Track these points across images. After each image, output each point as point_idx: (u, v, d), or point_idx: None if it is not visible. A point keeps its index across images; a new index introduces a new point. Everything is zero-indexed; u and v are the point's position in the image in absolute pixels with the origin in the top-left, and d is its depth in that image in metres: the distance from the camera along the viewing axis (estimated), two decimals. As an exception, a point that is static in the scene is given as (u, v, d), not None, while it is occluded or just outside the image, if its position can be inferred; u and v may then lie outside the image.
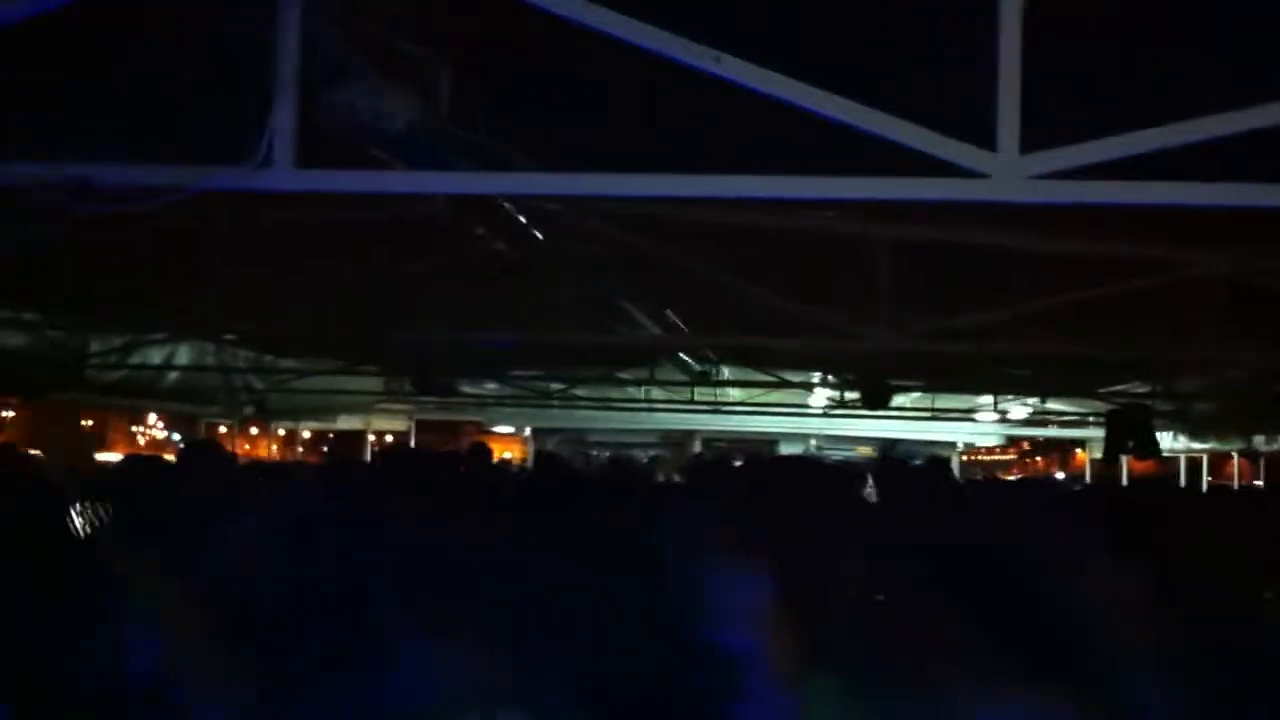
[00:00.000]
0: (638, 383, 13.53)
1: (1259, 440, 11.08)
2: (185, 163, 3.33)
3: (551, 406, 15.54)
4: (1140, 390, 10.75)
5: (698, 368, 11.29)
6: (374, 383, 15.49)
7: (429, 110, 3.93)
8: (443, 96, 4.04)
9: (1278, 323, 6.98)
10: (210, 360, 12.25)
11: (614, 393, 14.87)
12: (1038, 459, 18.28)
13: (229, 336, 11.54)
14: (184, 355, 11.93)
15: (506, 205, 5.33)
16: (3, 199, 3.43)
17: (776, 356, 10.78)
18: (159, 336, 11.17)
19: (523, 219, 5.61)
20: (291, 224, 6.54)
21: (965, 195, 3.13)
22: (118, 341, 10.81)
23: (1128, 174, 2.98)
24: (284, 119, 3.38)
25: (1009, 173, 3.02)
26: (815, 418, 14.99)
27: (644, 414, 15.37)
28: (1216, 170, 3.01)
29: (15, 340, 9.63)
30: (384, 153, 3.85)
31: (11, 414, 17.15)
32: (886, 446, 17.44)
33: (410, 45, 3.78)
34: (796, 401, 14.25)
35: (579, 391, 14.54)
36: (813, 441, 17.46)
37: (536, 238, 6.04)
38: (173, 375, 11.98)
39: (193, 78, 3.48)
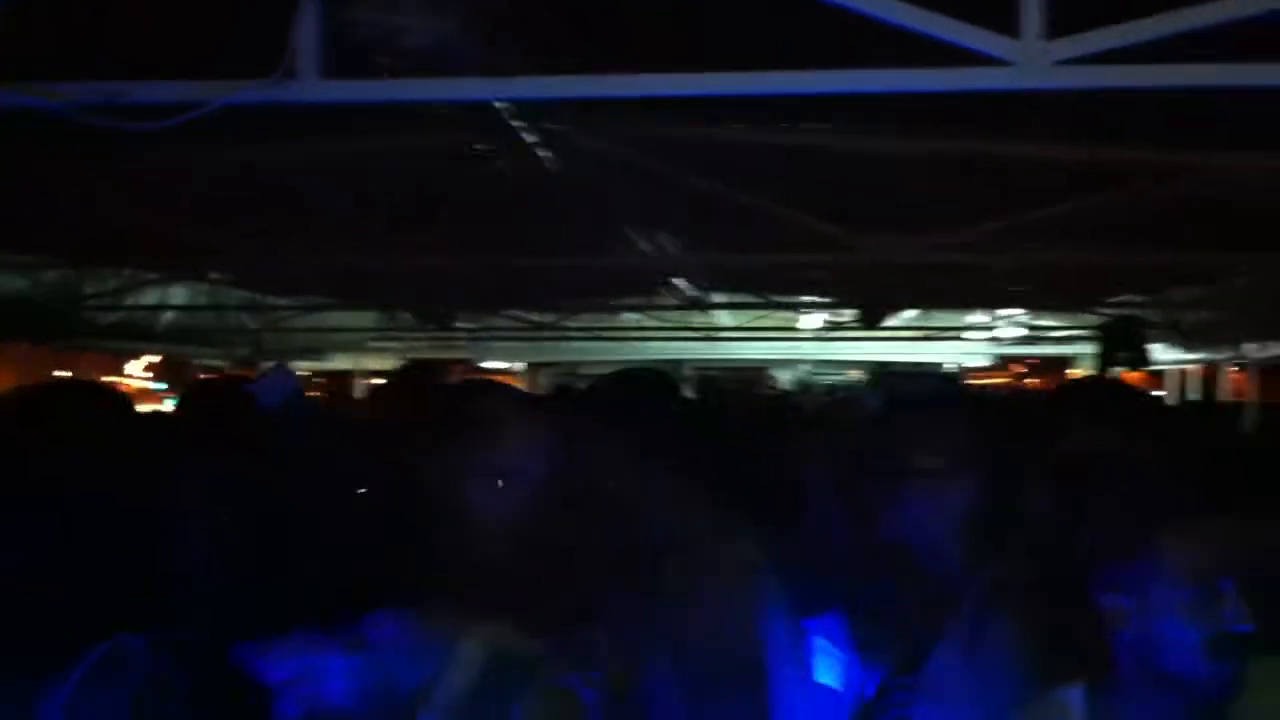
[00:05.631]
0: (632, 308, 13.57)
1: (1251, 348, 11.17)
2: (213, 78, 3.36)
3: (544, 339, 15.59)
4: (1135, 301, 10.83)
5: (693, 292, 11.33)
6: (367, 320, 15.49)
7: (446, 22, 3.95)
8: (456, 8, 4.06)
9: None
10: (204, 300, 12.27)
11: (606, 322, 14.91)
12: (1035, 379, 18.35)
13: (214, 275, 11.49)
14: (179, 297, 11.94)
15: (515, 123, 5.34)
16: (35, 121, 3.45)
17: (773, 279, 10.82)
18: (153, 277, 11.17)
19: (531, 138, 5.62)
20: (290, 157, 6.59)
21: (990, 84, 3.16)
22: (112, 283, 10.81)
23: (1157, 59, 3.01)
24: (308, 31, 3.41)
25: (1034, 59, 3.05)
26: (809, 342, 15.06)
27: (637, 344, 15.41)
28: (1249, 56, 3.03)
29: (12, 284, 9.64)
30: (402, 66, 3.88)
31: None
32: (878, 372, 17.55)
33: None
34: (789, 325, 14.31)
35: (570, 323, 14.59)
36: (804, 367, 17.53)
37: (544, 160, 6.06)
38: (168, 317, 12.00)
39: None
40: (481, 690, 2.16)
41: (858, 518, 3.86)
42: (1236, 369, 13.97)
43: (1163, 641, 1.98)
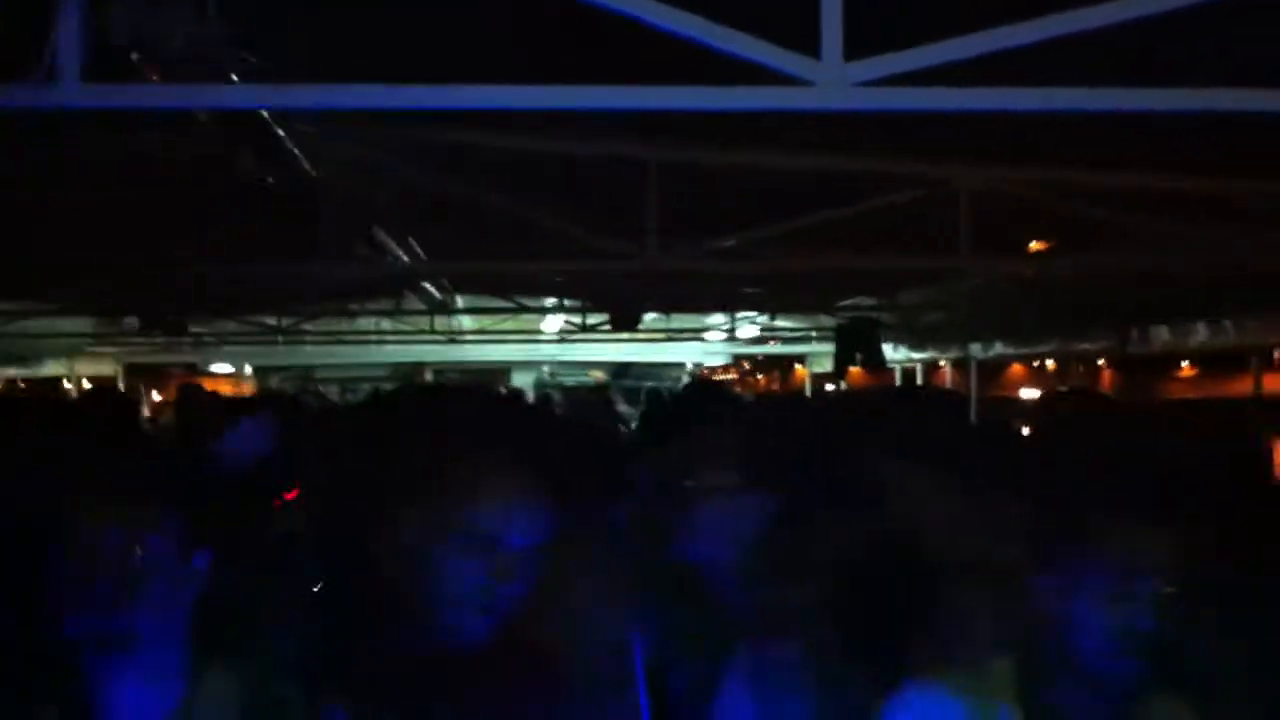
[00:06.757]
0: (373, 313, 13.28)
1: (975, 349, 11.75)
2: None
3: (277, 343, 15.10)
4: (868, 303, 11.24)
5: (438, 297, 11.16)
6: (82, 324, 14.68)
7: (206, 25, 3.74)
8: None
9: (1009, 233, 7.39)
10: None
11: (344, 326, 14.56)
12: (759, 377, 18.91)
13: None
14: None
15: (276, 128, 5.10)
16: None
17: (523, 282, 10.76)
18: None
19: (287, 142, 5.38)
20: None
21: (790, 104, 3.16)
22: None
23: (949, 81, 3.07)
24: (69, 31, 3.14)
25: (834, 80, 3.06)
26: (552, 344, 15.08)
27: (376, 347, 15.11)
28: (1033, 78, 3.13)
29: None
30: (161, 71, 3.66)
31: None
32: (619, 371, 17.73)
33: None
34: (535, 328, 14.30)
35: (308, 326, 14.17)
36: (545, 368, 17.54)
37: (295, 163, 5.82)
38: None
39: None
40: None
41: (647, 537, 3.81)
42: (954, 366, 14.71)
43: (1074, 627, 1.99)
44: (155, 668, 1.98)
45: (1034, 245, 8.10)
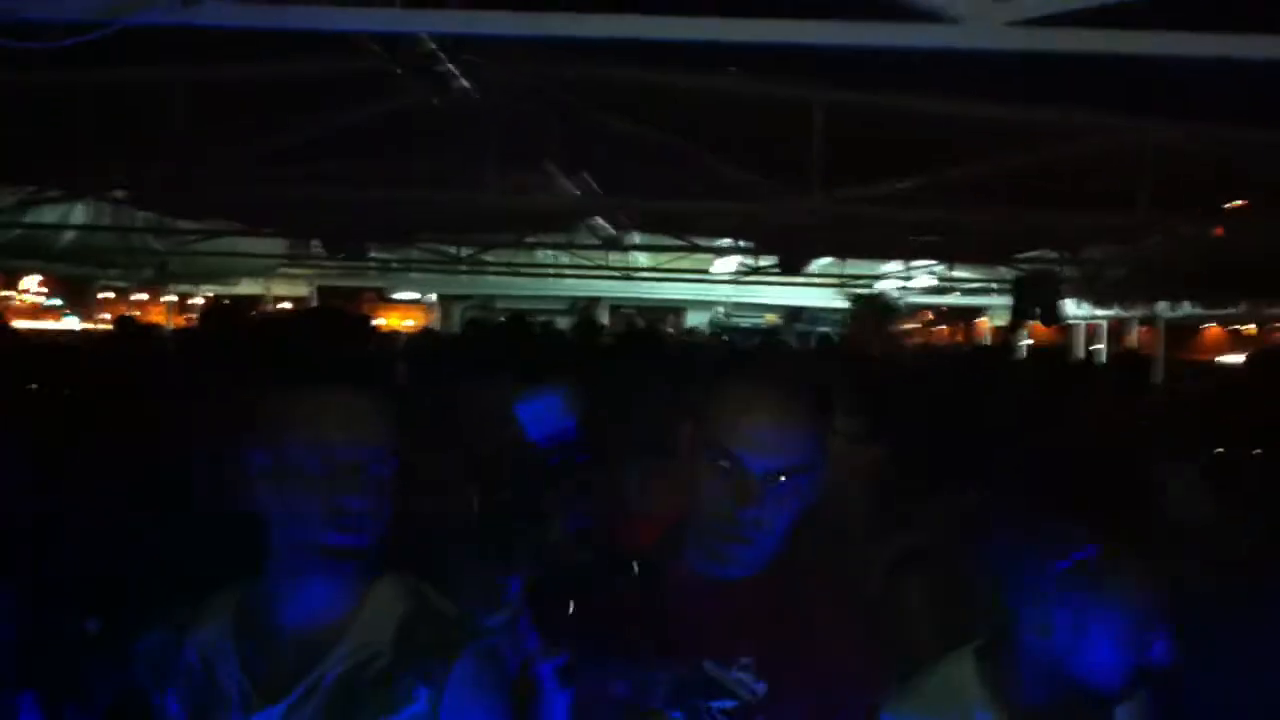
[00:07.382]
0: (549, 247, 13.39)
1: (1162, 306, 11.29)
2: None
3: (460, 272, 15.37)
4: (1049, 257, 10.88)
5: (612, 232, 11.19)
6: (275, 245, 15.16)
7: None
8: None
9: (1192, 190, 7.07)
10: (108, 220, 11.83)
11: (523, 258, 14.73)
12: (943, 328, 18.55)
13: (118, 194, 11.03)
14: (79, 215, 11.50)
15: (436, 50, 5.14)
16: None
17: (692, 223, 10.72)
18: (54, 194, 10.73)
19: (454, 70, 5.43)
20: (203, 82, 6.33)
21: (936, 42, 3.04)
22: (10, 199, 10.37)
23: (1113, 23, 2.92)
24: (220, -48, 3.20)
25: (981, 18, 2.94)
26: (723, 284, 15.02)
27: (553, 280, 15.27)
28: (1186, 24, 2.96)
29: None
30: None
31: None
32: (793, 314, 17.59)
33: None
34: (708, 268, 14.25)
35: (488, 257, 14.38)
36: (720, 309, 17.49)
37: (463, 92, 5.87)
38: (69, 236, 11.57)
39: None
40: (398, 639, 2.00)
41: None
42: (1144, 326, 14.17)
43: (1084, 657, 1.90)
44: (344, 574, 1.97)
45: (1228, 205, 7.74)
